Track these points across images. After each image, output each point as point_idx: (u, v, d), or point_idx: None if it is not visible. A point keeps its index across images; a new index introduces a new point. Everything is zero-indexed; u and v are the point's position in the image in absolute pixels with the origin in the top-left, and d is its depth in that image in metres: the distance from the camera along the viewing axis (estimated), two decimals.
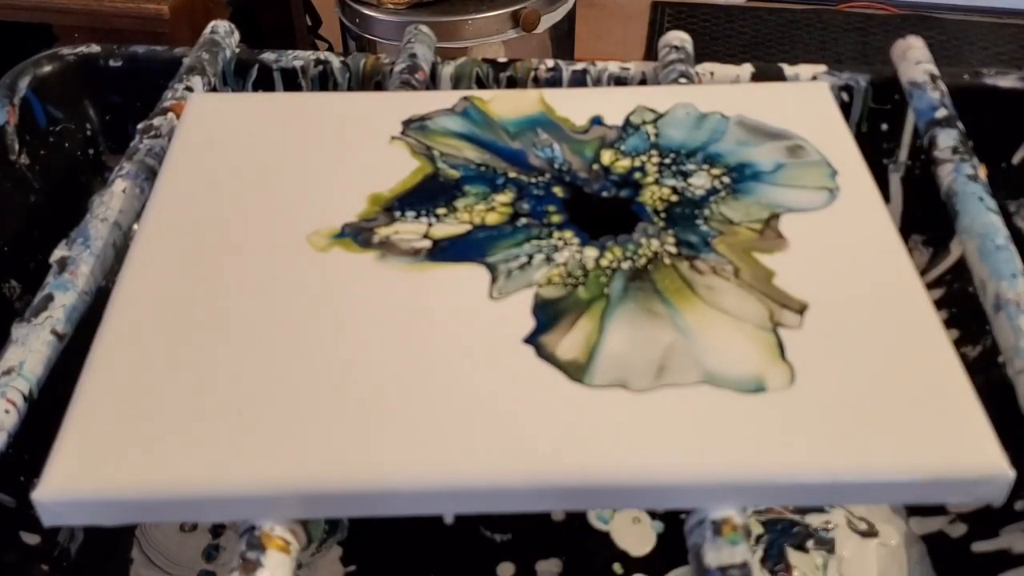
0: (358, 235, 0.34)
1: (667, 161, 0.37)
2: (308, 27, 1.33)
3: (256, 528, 0.27)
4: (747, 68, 0.47)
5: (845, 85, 0.47)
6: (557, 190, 0.36)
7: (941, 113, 0.40)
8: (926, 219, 0.50)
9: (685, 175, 0.37)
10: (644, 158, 0.38)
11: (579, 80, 0.48)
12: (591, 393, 0.28)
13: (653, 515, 0.45)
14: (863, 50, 1.14)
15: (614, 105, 0.40)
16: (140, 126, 0.41)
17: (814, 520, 0.45)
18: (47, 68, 0.49)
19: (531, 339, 0.30)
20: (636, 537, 0.44)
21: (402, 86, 0.45)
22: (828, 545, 0.44)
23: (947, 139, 0.39)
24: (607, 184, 0.37)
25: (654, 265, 0.33)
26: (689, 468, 0.26)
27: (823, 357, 0.29)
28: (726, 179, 0.36)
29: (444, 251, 0.34)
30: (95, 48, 0.50)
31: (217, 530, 0.45)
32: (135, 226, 0.37)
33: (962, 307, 0.48)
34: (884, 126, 0.49)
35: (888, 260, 0.33)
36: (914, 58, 0.44)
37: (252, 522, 0.27)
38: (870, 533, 0.44)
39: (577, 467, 0.27)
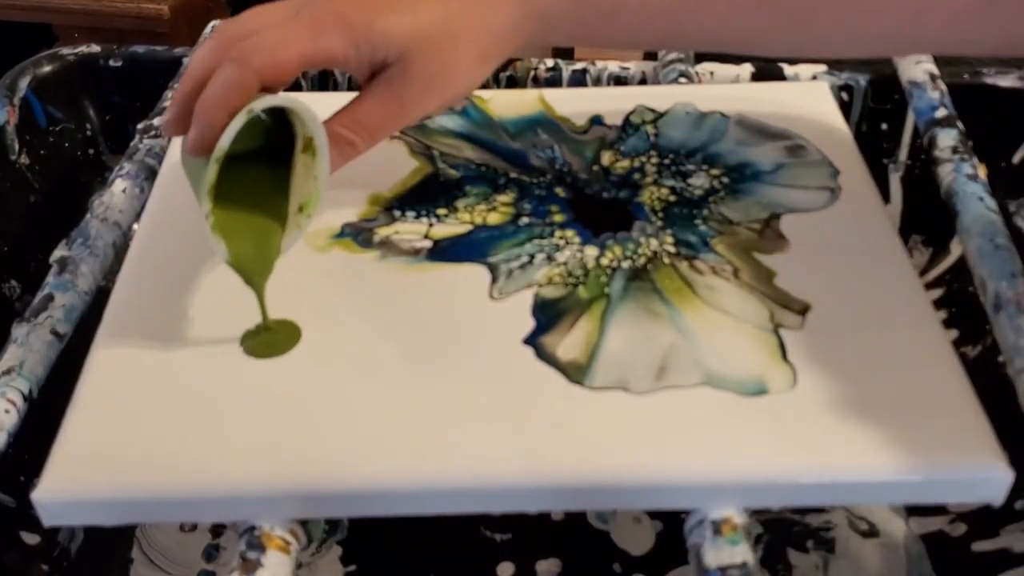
0: (358, 235, 0.34)
1: (666, 161, 0.37)
2: None
3: (256, 528, 0.27)
4: (747, 68, 0.47)
5: (845, 85, 0.47)
6: (559, 190, 0.36)
7: (941, 113, 0.40)
8: (926, 219, 0.50)
9: (684, 175, 0.37)
10: (643, 159, 0.38)
11: (579, 80, 0.48)
12: (591, 396, 0.28)
13: (653, 515, 0.45)
14: None
15: (614, 105, 0.40)
16: (140, 126, 0.41)
17: (814, 520, 0.45)
18: (47, 68, 0.49)
19: (531, 340, 0.30)
20: (636, 537, 0.44)
21: None
22: (828, 545, 0.44)
23: (947, 139, 0.39)
24: (607, 185, 0.37)
25: (654, 264, 0.33)
26: (689, 468, 0.26)
27: (824, 358, 0.29)
28: (725, 179, 0.36)
29: (445, 251, 0.34)
30: (95, 48, 0.50)
31: (217, 530, 0.45)
32: (135, 226, 0.37)
33: (962, 307, 0.48)
34: (884, 126, 0.49)
35: (888, 260, 0.33)
36: (914, 57, 0.44)
37: (252, 522, 0.27)
38: (870, 533, 0.44)
39: (577, 467, 0.26)
